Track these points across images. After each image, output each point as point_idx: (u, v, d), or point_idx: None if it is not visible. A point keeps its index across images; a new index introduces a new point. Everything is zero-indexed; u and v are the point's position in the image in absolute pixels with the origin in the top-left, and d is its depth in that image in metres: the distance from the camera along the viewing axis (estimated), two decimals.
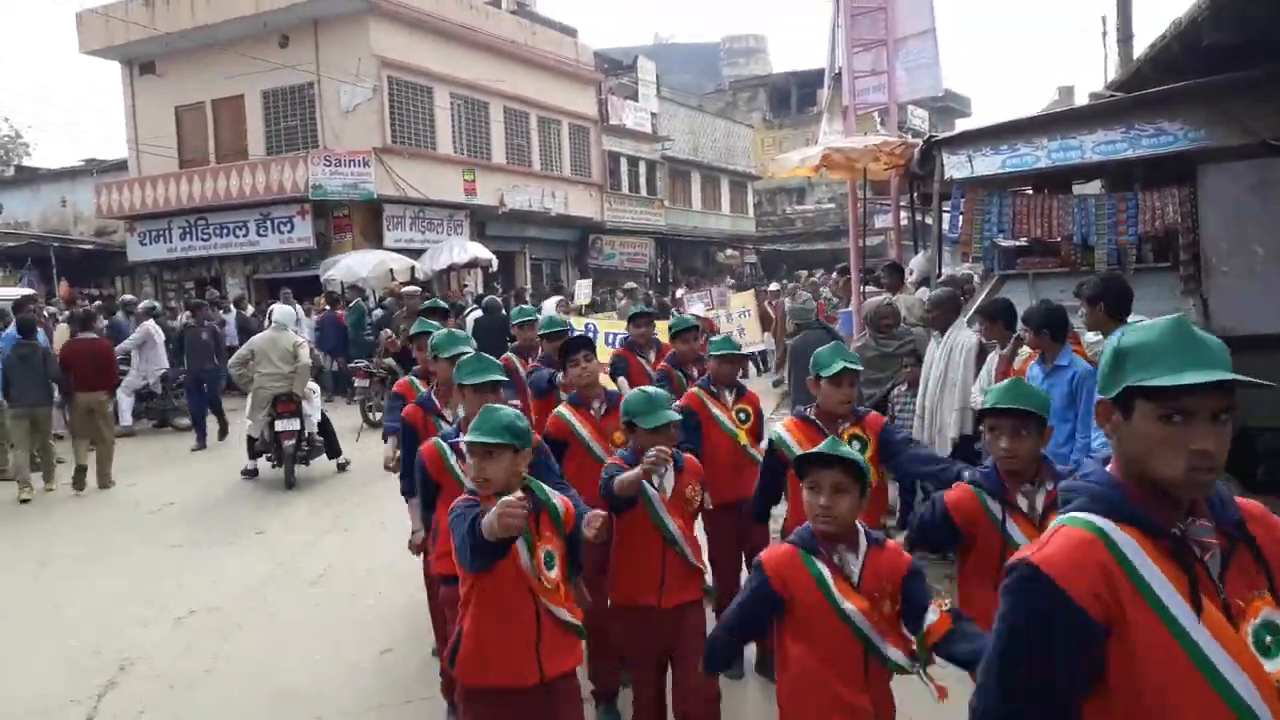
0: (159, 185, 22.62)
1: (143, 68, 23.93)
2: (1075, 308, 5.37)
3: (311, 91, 21.98)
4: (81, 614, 6.10)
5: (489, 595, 2.82)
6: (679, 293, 19.24)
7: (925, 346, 6.78)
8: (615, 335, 8.14)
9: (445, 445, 3.70)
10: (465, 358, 3.71)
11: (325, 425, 10.08)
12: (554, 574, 2.87)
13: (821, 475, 2.57)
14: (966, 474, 3.11)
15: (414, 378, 5.30)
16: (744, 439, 4.60)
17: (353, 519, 8.06)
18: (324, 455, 9.99)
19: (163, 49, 22.91)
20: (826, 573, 2.55)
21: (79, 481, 9.65)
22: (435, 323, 5.70)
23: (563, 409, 4.39)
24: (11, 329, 10.26)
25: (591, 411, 4.36)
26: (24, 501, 9.23)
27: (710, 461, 4.20)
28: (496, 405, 3.00)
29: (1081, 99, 12.64)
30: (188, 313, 14.21)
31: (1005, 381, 3.10)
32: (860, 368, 3.82)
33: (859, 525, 2.63)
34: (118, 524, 8.47)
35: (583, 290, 17.24)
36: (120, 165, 25.14)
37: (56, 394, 9.85)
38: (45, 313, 14.07)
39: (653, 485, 3.48)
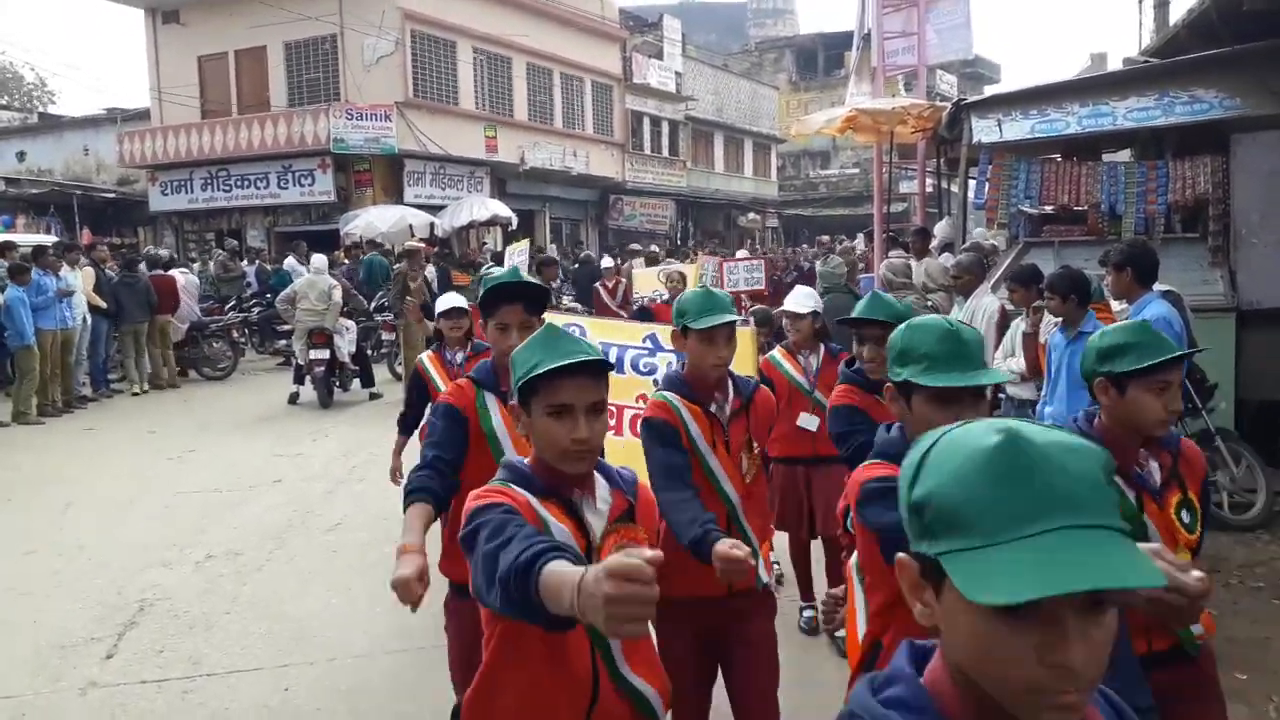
0: (181, 135, 22.61)
1: (166, 16, 23.80)
2: (1100, 276, 5.31)
3: (334, 44, 21.81)
4: (104, 555, 6.22)
5: (526, 636, 1.82)
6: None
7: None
8: (624, 348, 4.20)
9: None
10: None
11: (361, 357, 11.95)
12: None
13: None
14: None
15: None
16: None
17: (368, 469, 8.13)
18: (358, 383, 11.83)
19: None
20: None
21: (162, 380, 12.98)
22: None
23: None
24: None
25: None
26: (134, 394, 12.46)
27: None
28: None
29: (1115, 66, 12.38)
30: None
31: (1141, 330, 2.31)
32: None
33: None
34: (139, 470, 8.61)
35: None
36: (142, 114, 25.09)
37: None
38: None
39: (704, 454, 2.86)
